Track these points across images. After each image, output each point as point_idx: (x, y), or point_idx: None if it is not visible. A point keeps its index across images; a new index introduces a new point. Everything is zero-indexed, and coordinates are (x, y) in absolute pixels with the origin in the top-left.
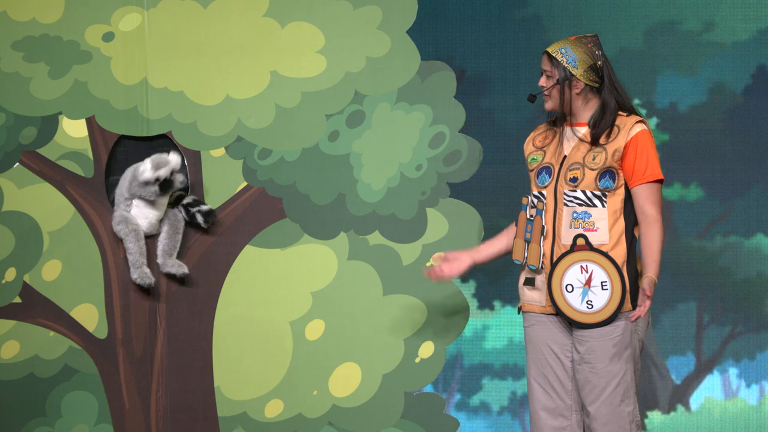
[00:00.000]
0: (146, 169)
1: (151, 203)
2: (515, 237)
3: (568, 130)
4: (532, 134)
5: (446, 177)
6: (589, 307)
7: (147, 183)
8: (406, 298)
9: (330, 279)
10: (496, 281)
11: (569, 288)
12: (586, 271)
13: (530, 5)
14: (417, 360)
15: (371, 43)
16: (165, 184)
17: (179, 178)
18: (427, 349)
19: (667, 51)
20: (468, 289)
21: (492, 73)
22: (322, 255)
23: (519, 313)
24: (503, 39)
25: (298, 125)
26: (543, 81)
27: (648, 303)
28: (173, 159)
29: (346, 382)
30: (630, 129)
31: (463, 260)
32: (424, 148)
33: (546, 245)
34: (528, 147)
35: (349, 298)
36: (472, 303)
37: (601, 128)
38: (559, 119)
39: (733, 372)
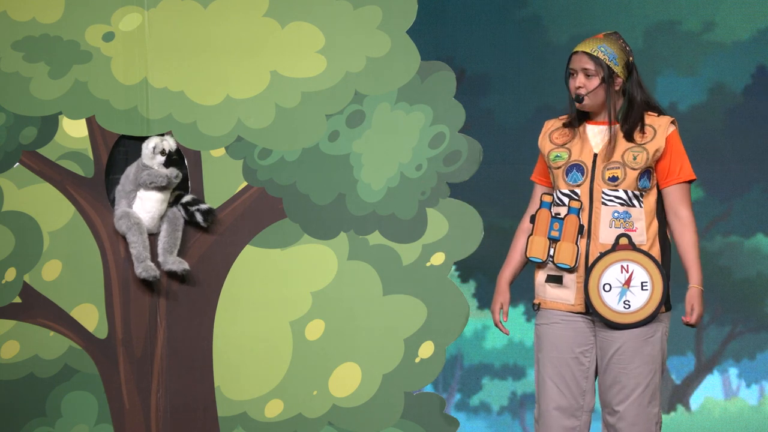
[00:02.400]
0: (147, 142)
1: (156, 191)
2: (532, 234)
3: (591, 127)
4: (545, 130)
5: (446, 177)
6: (627, 307)
7: (154, 150)
8: (406, 298)
9: (330, 279)
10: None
11: (606, 287)
12: (627, 271)
13: (530, 5)
14: (417, 360)
15: (371, 43)
16: (169, 159)
17: (174, 174)
18: (427, 349)
19: (667, 51)
20: (468, 289)
21: (492, 73)
22: (322, 255)
23: (536, 309)
24: (503, 39)
25: (298, 125)
26: (582, 80)
27: (698, 317)
28: (168, 138)
29: (346, 382)
30: (666, 129)
31: (506, 296)
32: (424, 148)
33: (581, 244)
34: (545, 143)
35: (349, 298)
36: (472, 303)
37: (632, 123)
38: (578, 116)
39: (733, 372)
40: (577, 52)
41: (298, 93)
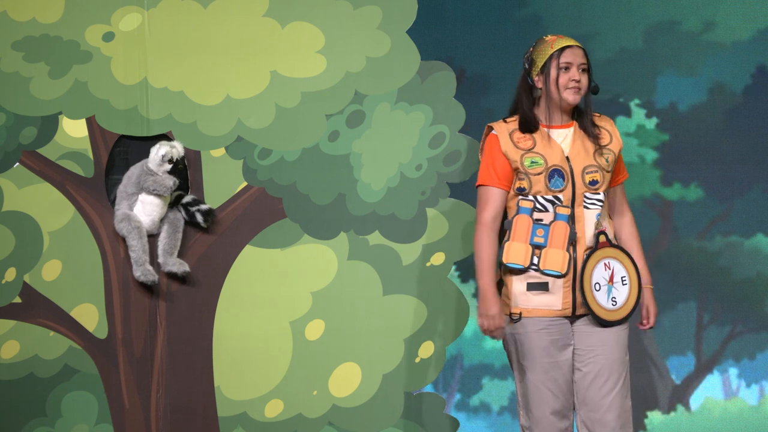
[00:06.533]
0: (157, 147)
1: (157, 197)
2: (509, 240)
3: (553, 131)
4: (502, 136)
5: (446, 177)
6: (614, 303)
7: (163, 158)
8: (406, 298)
9: (330, 279)
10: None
11: (597, 287)
12: (609, 268)
13: (530, 5)
14: (417, 360)
15: (371, 43)
16: (175, 167)
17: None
18: (427, 349)
19: (667, 51)
20: (468, 289)
21: (492, 73)
22: (322, 255)
23: (518, 319)
24: (503, 39)
25: (298, 125)
26: (578, 74)
27: (655, 317)
28: (177, 145)
29: (346, 382)
30: (614, 128)
31: (501, 316)
32: (424, 148)
33: (572, 250)
34: (510, 149)
35: (349, 298)
36: (472, 303)
37: (588, 122)
38: (533, 121)
39: (733, 372)
40: (571, 46)
41: (298, 93)
